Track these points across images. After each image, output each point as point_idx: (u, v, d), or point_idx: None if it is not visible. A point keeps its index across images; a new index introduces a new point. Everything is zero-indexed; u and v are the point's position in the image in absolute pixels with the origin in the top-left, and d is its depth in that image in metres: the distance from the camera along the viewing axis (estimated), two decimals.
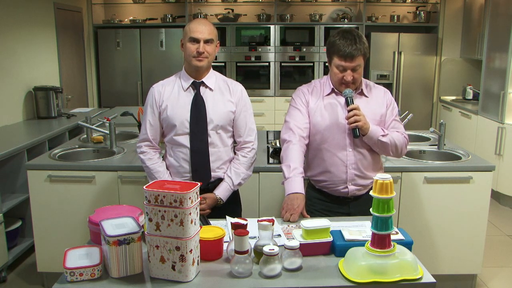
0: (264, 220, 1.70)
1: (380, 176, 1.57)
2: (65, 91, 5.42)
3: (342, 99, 2.23)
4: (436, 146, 3.34)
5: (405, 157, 3.09)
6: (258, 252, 1.66)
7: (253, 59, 6.33)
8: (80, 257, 1.62)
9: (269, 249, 1.57)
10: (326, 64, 2.28)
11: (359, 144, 2.24)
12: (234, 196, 2.42)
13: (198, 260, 1.60)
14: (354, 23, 6.38)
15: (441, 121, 3.30)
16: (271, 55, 6.31)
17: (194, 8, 6.60)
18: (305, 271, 1.64)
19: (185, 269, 1.54)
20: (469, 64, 6.46)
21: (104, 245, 1.58)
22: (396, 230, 1.82)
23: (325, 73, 6.01)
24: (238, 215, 2.31)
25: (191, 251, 1.53)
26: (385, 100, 2.30)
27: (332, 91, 2.27)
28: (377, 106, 2.27)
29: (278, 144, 3.03)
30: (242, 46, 6.30)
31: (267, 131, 4.03)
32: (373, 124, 2.18)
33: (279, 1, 6.42)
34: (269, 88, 6.37)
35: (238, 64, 6.33)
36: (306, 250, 1.71)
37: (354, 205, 2.33)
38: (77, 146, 3.43)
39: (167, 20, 6.45)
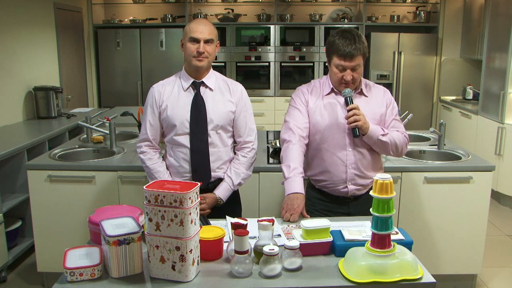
0: (264, 220, 1.70)
1: (380, 176, 1.57)
2: (65, 91, 5.42)
3: (341, 99, 2.23)
4: (436, 146, 3.34)
5: (405, 157, 3.09)
6: (258, 252, 1.66)
7: (253, 59, 6.33)
8: (80, 257, 1.62)
9: (269, 249, 1.57)
10: (326, 64, 2.28)
11: (359, 143, 2.24)
12: (234, 196, 2.42)
13: (198, 260, 1.60)
14: (354, 23, 6.38)
15: (441, 121, 3.30)
16: (271, 55, 6.32)
17: (194, 8, 6.60)
18: (305, 271, 1.64)
19: (185, 269, 1.54)
20: (469, 64, 6.46)
21: (104, 245, 1.58)
22: (396, 230, 1.82)
23: (325, 73, 6.00)
24: (238, 215, 2.31)
25: (191, 251, 1.53)
26: (384, 99, 2.30)
27: (332, 90, 2.27)
28: (376, 105, 2.27)
29: (278, 144, 3.03)
30: (242, 46, 6.30)
31: (267, 131, 4.03)
32: (373, 123, 2.18)
33: (279, 1, 6.42)
34: (269, 88, 6.37)
35: (238, 64, 6.33)
36: (306, 250, 1.71)
37: (354, 205, 2.33)
38: (77, 146, 3.43)
39: (167, 20, 6.45)
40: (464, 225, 3.03)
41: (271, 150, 3.25)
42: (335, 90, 2.26)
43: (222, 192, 2.31)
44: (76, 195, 2.98)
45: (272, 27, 6.28)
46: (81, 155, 3.33)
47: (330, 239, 1.76)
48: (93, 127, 3.43)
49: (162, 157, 2.40)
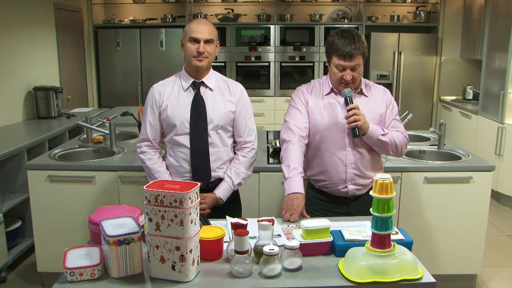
0: (264, 220, 1.70)
1: (380, 176, 1.57)
2: (65, 91, 5.42)
3: (341, 99, 2.23)
4: (436, 146, 3.34)
5: (405, 157, 3.09)
6: (258, 252, 1.66)
7: (253, 59, 6.33)
8: (80, 257, 1.62)
9: (269, 249, 1.57)
10: (326, 64, 2.28)
11: (359, 143, 2.24)
12: (234, 196, 2.42)
13: (198, 260, 1.60)
14: (354, 23, 6.38)
15: (441, 121, 3.30)
16: (271, 55, 6.31)
17: (194, 8, 6.60)
18: (305, 271, 1.64)
19: (185, 269, 1.54)
20: (469, 64, 6.46)
21: (104, 245, 1.58)
22: (396, 230, 1.82)
23: (325, 73, 5.99)
24: (238, 215, 2.31)
25: (191, 251, 1.53)
26: (384, 99, 2.30)
27: (332, 90, 2.27)
28: (376, 105, 2.27)
29: (278, 144, 3.03)
30: (242, 46, 6.30)
31: (267, 131, 4.03)
32: (372, 123, 2.18)
33: (279, 1, 6.42)
34: (269, 88, 6.37)
35: (238, 64, 6.33)
36: (306, 250, 1.71)
37: (354, 205, 2.33)
38: (77, 146, 3.43)
39: (167, 20, 6.45)
40: (464, 225, 3.03)
41: (271, 150, 3.25)
42: (335, 90, 2.26)
43: (222, 192, 2.31)
44: (76, 195, 2.98)
45: (272, 27, 6.28)
46: (81, 155, 3.33)
47: (330, 239, 1.76)
48: (93, 127, 3.43)
49: (162, 157, 2.40)
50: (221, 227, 1.80)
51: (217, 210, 2.29)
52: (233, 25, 6.27)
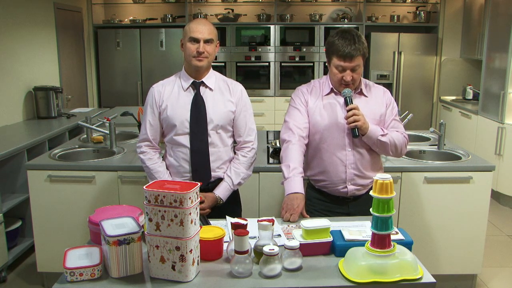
0: (264, 220, 1.70)
1: (380, 176, 1.57)
2: (65, 91, 5.42)
3: (341, 99, 2.23)
4: (436, 146, 3.34)
5: (405, 157, 3.09)
6: (258, 252, 1.66)
7: (253, 59, 6.32)
8: (80, 257, 1.62)
9: (269, 249, 1.57)
10: (326, 64, 2.28)
11: (358, 144, 2.24)
12: (234, 196, 2.42)
13: (198, 260, 1.60)
14: (354, 23, 6.38)
15: (441, 121, 3.30)
16: (271, 55, 6.31)
17: (194, 8, 6.60)
18: (305, 271, 1.64)
19: (185, 269, 1.54)
20: (469, 64, 6.46)
21: (104, 245, 1.58)
22: (396, 230, 1.82)
23: (325, 73, 5.99)
24: (238, 215, 2.31)
25: (191, 251, 1.53)
26: (384, 99, 2.30)
27: (331, 91, 2.27)
28: (376, 105, 2.27)
29: (278, 144, 3.03)
30: (242, 46, 6.30)
31: (267, 131, 4.03)
32: (372, 123, 2.18)
33: (279, 1, 6.42)
34: (269, 88, 6.37)
35: (238, 64, 6.33)
36: (306, 250, 1.71)
37: (354, 205, 2.33)
38: (77, 146, 3.43)
39: (167, 20, 6.45)
40: (464, 225, 3.03)
41: (271, 150, 3.25)
42: (335, 90, 2.26)
43: (222, 191, 2.31)
44: (76, 195, 2.98)
45: (272, 27, 6.28)
46: (81, 155, 3.33)
47: (330, 239, 1.76)
48: (93, 127, 3.43)
49: (162, 157, 2.40)
50: (221, 227, 1.80)
51: (217, 210, 2.29)
52: (233, 25, 6.28)
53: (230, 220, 1.89)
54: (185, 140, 2.27)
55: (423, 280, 1.58)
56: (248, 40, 6.31)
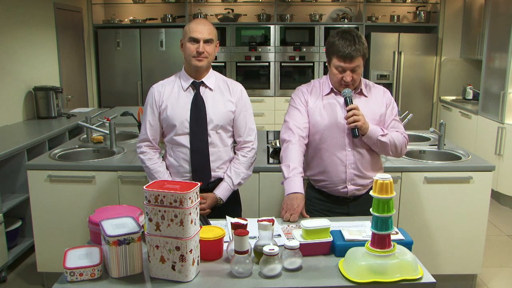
0: (264, 220, 1.70)
1: (380, 176, 1.57)
2: (65, 91, 5.42)
3: (341, 99, 2.23)
4: (436, 146, 3.34)
5: (405, 157, 3.09)
6: (258, 252, 1.66)
7: (253, 59, 6.32)
8: (80, 257, 1.62)
9: (269, 249, 1.57)
10: (326, 64, 2.28)
11: (358, 144, 2.23)
12: (234, 196, 2.42)
13: (198, 260, 1.60)
14: (354, 23, 6.38)
15: (441, 121, 3.30)
16: (271, 55, 6.31)
17: (194, 8, 6.60)
18: (305, 271, 1.64)
19: (185, 269, 1.54)
20: (469, 64, 6.46)
21: (104, 245, 1.58)
22: (396, 230, 1.82)
23: (325, 73, 5.99)
24: (238, 215, 2.31)
25: (191, 251, 1.53)
26: (384, 99, 2.30)
27: (331, 91, 2.27)
28: (376, 105, 2.27)
29: (278, 144, 3.03)
30: (242, 46, 6.30)
31: (267, 131, 4.03)
32: (372, 124, 2.18)
33: (279, 1, 6.42)
34: (269, 88, 6.37)
35: (238, 64, 6.33)
36: (306, 250, 1.71)
37: (354, 205, 2.33)
38: (77, 146, 3.43)
39: (167, 20, 6.45)
40: (464, 225, 3.03)
41: (271, 150, 3.26)
42: (335, 90, 2.26)
43: (222, 192, 2.31)
44: (76, 195, 2.98)
45: (272, 27, 6.28)
46: (81, 155, 3.33)
47: (330, 239, 1.76)
48: (93, 127, 3.43)
49: (162, 157, 2.40)
50: (221, 227, 1.80)
51: (217, 210, 2.29)
52: (233, 25, 6.27)
53: (230, 220, 1.89)
54: (185, 140, 2.27)
55: (423, 280, 1.58)
56: (248, 40, 6.31)
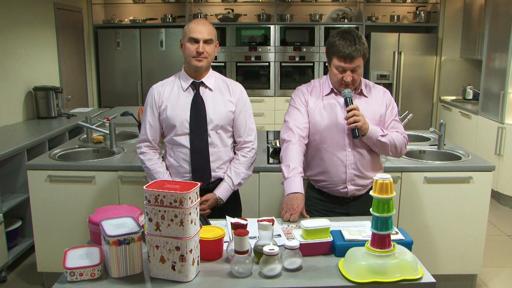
0: (264, 220, 1.70)
1: (380, 176, 1.57)
2: (65, 91, 5.42)
3: (341, 99, 2.23)
4: (436, 146, 3.34)
5: (405, 157, 3.09)
6: (258, 252, 1.66)
7: (253, 59, 6.33)
8: (80, 257, 1.62)
9: (269, 249, 1.57)
10: (326, 64, 2.28)
11: (358, 144, 2.23)
12: (234, 196, 2.42)
13: (198, 260, 1.60)
14: (354, 23, 6.37)
15: (441, 121, 3.30)
16: (271, 55, 6.32)
17: (194, 8, 6.60)
18: (305, 271, 1.64)
19: (185, 269, 1.54)
20: (469, 64, 6.46)
21: (104, 245, 1.58)
22: (396, 230, 1.82)
23: (325, 73, 5.99)
24: (238, 215, 2.31)
25: (191, 251, 1.53)
26: (384, 100, 2.30)
27: (332, 91, 2.27)
28: (376, 106, 2.27)
29: (278, 144, 3.03)
30: (242, 46, 6.30)
31: (267, 131, 4.03)
32: (372, 124, 2.18)
33: (279, 1, 6.42)
34: (269, 88, 6.37)
35: (238, 64, 6.33)
36: (306, 250, 1.71)
37: (354, 205, 2.33)
38: (77, 146, 3.43)
39: (167, 20, 6.45)
40: (464, 225, 3.03)
41: (271, 150, 3.26)
42: (335, 90, 2.26)
43: (222, 192, 2.31)
44: (76, 195, 2.98)
45: (272, 27, 6.28)
46: (81, 155, 3.33)
47: (330, 239, 1.76)
48: (93, 127, 3.43)
49: (162, 157, 2.40)
50: (221, 227, 1.80)
51: (217, 210, 2.29)
52: (233, 25, 6.27)
53: (230, 220, 1.89)
54: (185, 140, 2.27)
55: (423, 280, 1.58)
56: (248, 40, 6.31)
